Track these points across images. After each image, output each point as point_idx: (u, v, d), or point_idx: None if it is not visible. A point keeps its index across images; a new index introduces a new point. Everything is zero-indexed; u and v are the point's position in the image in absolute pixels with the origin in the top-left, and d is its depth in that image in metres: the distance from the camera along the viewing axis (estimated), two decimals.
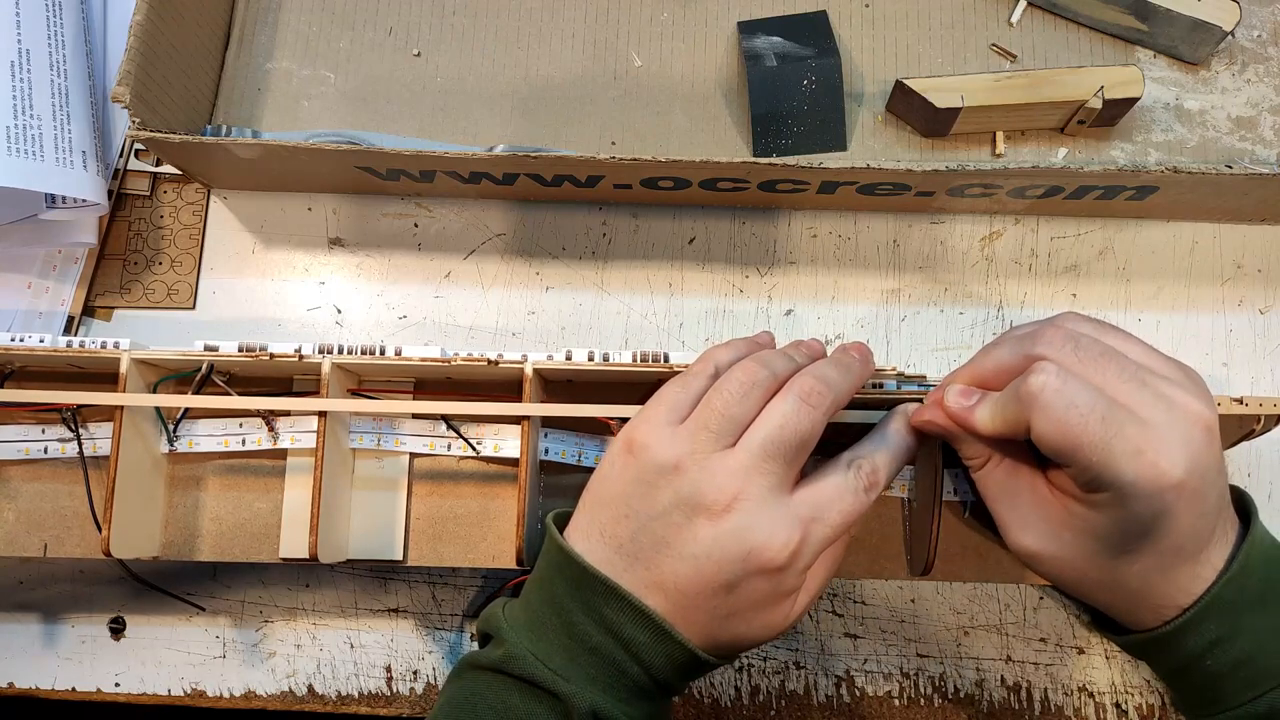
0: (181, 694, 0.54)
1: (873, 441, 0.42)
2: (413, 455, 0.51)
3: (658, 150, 0.57)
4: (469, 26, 0.60)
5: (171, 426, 0.50)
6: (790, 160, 0.50)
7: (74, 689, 0.54)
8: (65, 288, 0.56)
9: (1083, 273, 0.57)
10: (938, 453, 0.46)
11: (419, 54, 0.60)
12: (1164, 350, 0.40)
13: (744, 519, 0.37)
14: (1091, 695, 0.53)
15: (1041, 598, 0.54)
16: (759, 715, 0.53)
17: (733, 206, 0.58)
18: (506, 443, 0.49)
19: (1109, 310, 0.56)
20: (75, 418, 0.49)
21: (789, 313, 0.57)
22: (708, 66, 0.60)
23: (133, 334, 0.56)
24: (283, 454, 0.50)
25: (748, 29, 0.58)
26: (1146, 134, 0.58)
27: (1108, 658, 0.53)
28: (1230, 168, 0.51)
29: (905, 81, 0.55)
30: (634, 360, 0.47)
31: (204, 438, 0.50)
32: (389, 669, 0.54)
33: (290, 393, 0.51)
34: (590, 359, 0.48)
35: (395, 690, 0.54)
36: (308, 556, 0.46)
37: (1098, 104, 0.54)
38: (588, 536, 0.40)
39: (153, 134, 0.50)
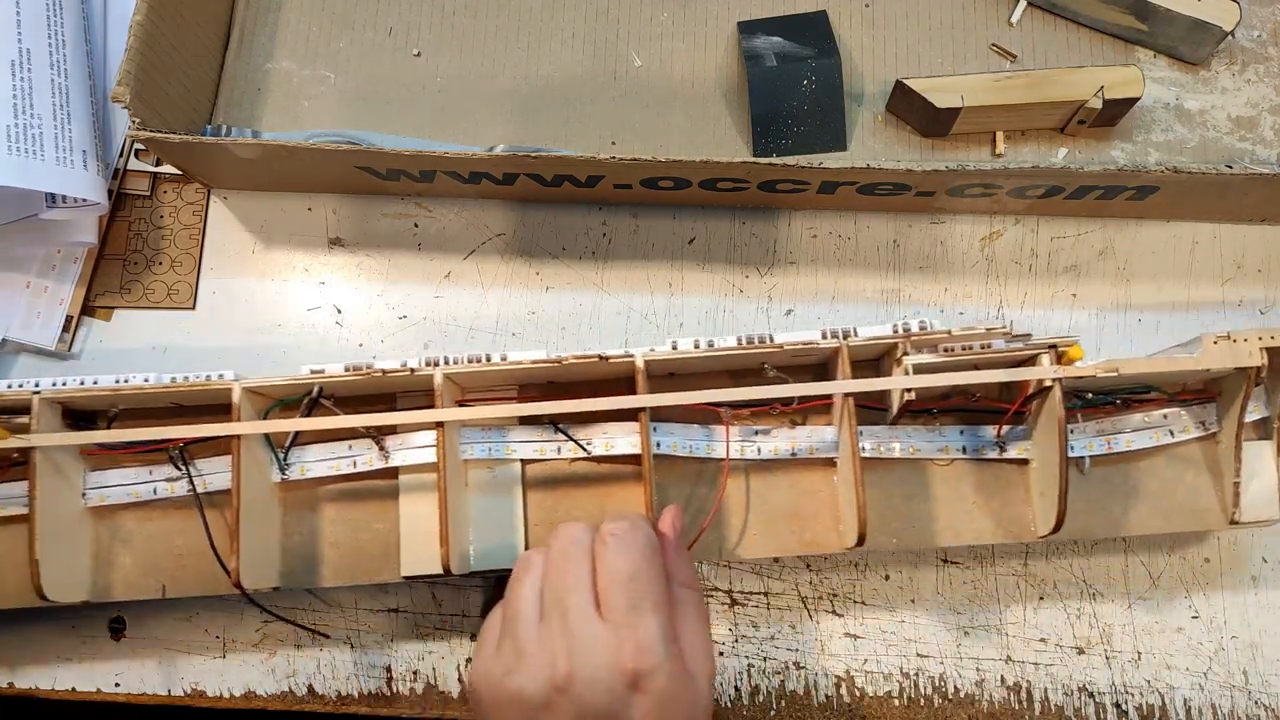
0: (181, 694, 0.54)
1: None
2: (524, 461, 0.51)
3: (658, 150, 0.57)
4: (469, 26, 0.60)
5: (282, 454, 0.49)
6: (790, 160, 0.50)
7: (74, 689, 0.54)
8: (65, 287, 0.56)
9: (1083, 273, 0.57)
10: (1060, 405, 0.46)
11: (419, 54, 0.60)
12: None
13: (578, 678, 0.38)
14: (1091, 695, 0.53)
15: (1041, 598, 0.54)
16: (759, 715, 0.53)
17: (733, 206, 0.58)
18: (617, 440, 0.49)
19: (1109, 310, 0.56)
20: (183, 455, 0.49)
21: (789, 313, 0.57)
22: (708, 66, 0.60)
23: (133, 334, 0.56)
24: (392, 473, 0.50)
25: (748, 29, 0.58)
26: (1146, 134, 0.58)
27: (1107, 658, 0.53)
28: (1230, 168, 0.51)
29: (905, 81, 0.55)
30: (739, 344, 0.47)
31: (315, 463, 0.50)
32: (389, 669, 0.54)
33: (396, 409, 0.51)
34: (696, 346, 0.48)
35: (395, 690, 0.54)
36: (439, 571, 0.46)
37: (1098, 104, 0.54)
38: None
39: (153, 134, 0.49)
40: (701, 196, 0.56)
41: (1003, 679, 0.53)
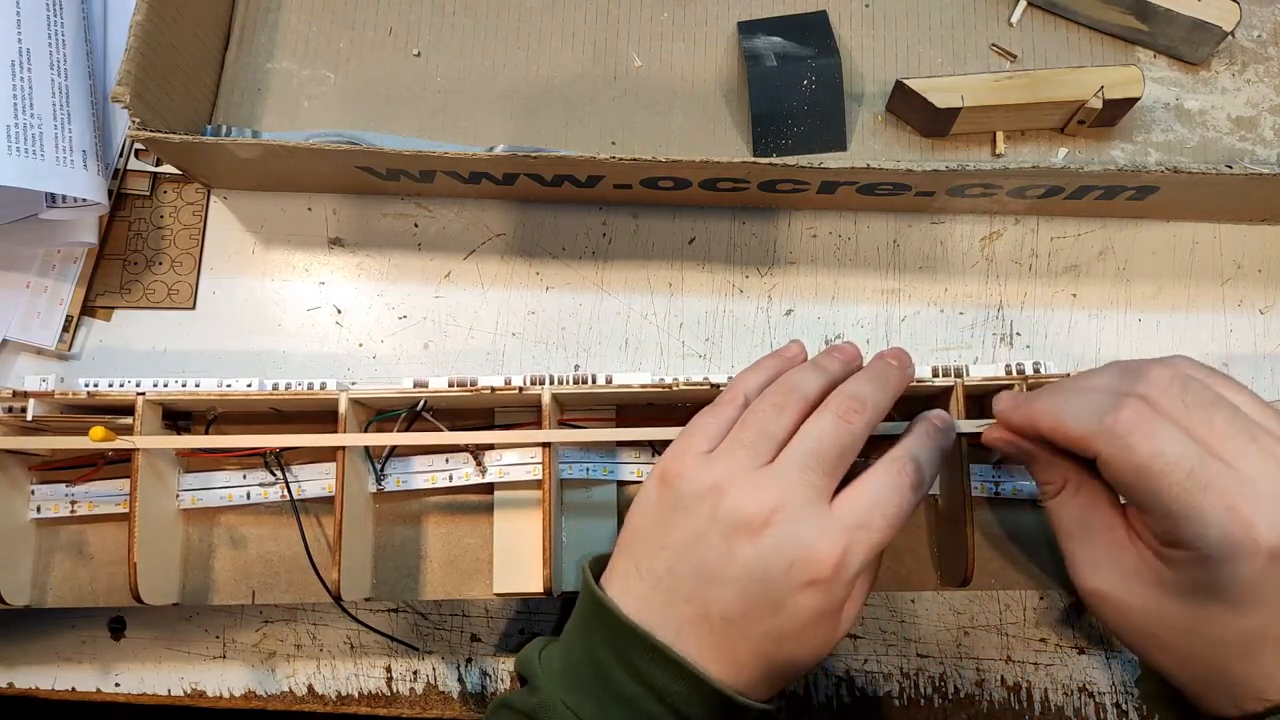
0: (181, 694, 0.54)
1: (913, 438, 0.40)
2: (620, 483, 0.50)
3: (658, 150, 0.57)
4: (469, 26, 0.60)
5: (379, 466, 0.49)
6: (790, 160, 0.50)
7: (74, 689, 0.54)
8: (65, 287, 0.56)
9: (1083, 273, 0.57)
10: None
11: (419, 54, 0.60)
12: (1164, 351, 0.40)
13: (785, 531, 0.36)
14: (1091, 695, 0.53)
15: (1041, 597, 0.54)
16: None
17: (733, 206, 0.58)
18: None
19: (1109, 310, 0.56)
20: (279, 461, 0.49)
21: (789, 313, 0.57)
22: (708, 66, 0.60)
23: (133, 334, 0.56)
24: (486, 489, 0.50)
25: (748, 29, 0.58)
26: (1146, 134, 0.58)
27: (1108, 658, 0.53)
28: (1230, 168, 0.51)
29: (905, 81, 0.55)
30: None
31: (412, 475, 0.49)
32: (389, 669, 0.54)
33: (493, 425, 0.51)
34: None
35: (395, 690, 0.54)
36: (535, 591, 0.46)
37: (1098, 104, 0.54)
38: (625, 576, 0.38)
39: (153, 134, 0.49)
40: (701, 196, 0.56)
41: (1003, 679, 0.53)
